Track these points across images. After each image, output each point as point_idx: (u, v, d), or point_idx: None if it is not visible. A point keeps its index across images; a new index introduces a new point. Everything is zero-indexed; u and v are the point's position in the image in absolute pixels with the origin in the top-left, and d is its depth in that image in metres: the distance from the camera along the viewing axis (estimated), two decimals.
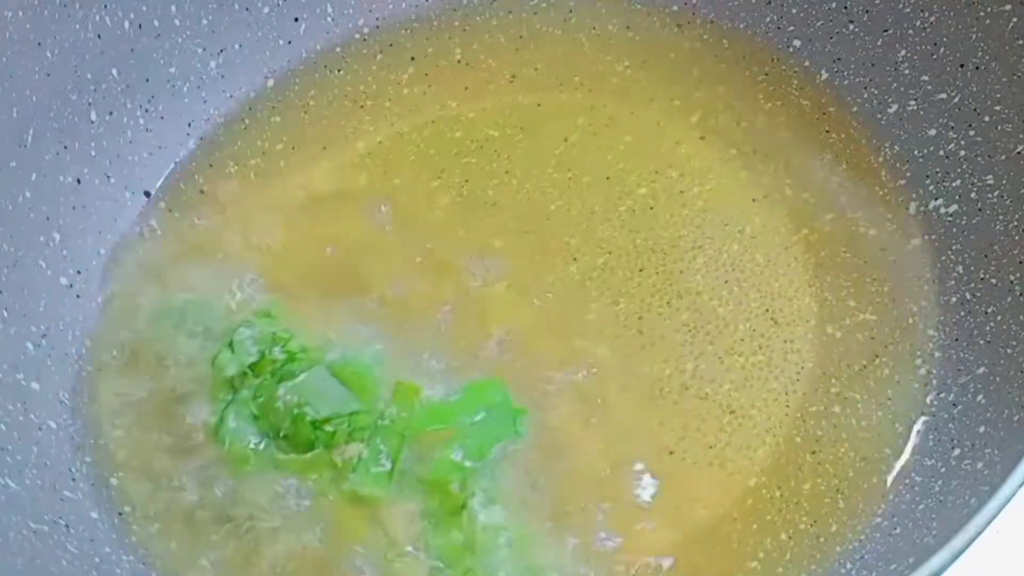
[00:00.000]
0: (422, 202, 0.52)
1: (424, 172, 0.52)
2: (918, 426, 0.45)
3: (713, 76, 0.54)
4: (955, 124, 0.49)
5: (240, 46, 0.55)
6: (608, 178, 0.52)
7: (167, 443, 0.46)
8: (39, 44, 0.47)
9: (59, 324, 0.49)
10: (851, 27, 0.52)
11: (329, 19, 0.57)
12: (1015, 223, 0.46)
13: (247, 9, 0.55)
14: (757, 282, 0.49)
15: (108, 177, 0.52)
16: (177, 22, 0.53)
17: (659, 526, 0.44)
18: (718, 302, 0.48)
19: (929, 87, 0.50)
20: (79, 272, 0.50)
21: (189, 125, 0.54)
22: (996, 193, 0.47)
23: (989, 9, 0.47)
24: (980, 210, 0.47)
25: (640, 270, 0.49)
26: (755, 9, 0.55)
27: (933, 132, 0.50)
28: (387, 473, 0.44)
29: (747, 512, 0.44)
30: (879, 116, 0.52)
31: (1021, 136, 0.46)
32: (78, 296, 0.50)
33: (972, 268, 0.47)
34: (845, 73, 0.53)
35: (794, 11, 0.54)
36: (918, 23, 0.50)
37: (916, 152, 0.50)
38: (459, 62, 0.56)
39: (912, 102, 0.51)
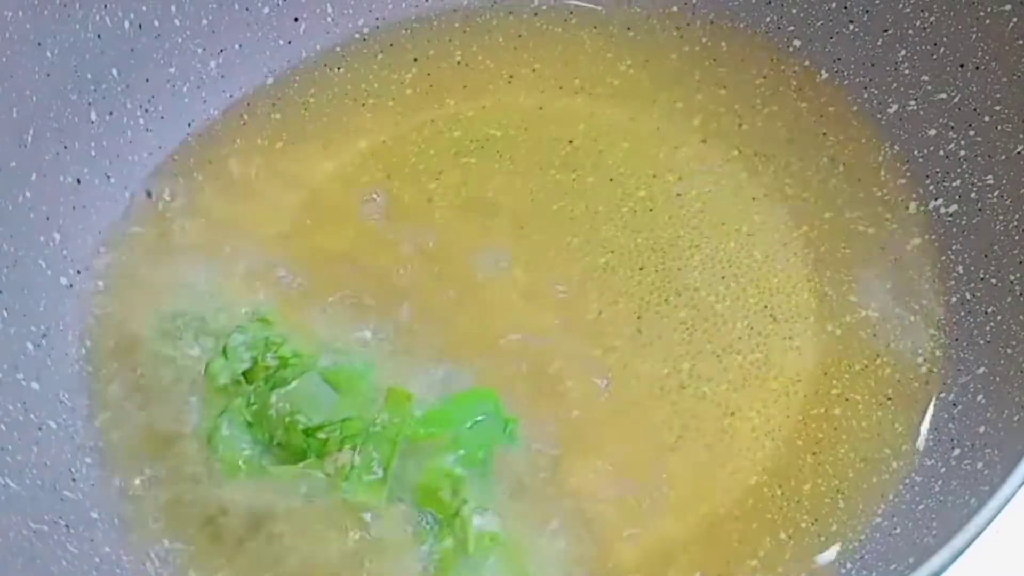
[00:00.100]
0: (422, 202, 0.52)
1: (424, 172, 0.52)
2: (918, 426, 0.45)
3: (714, 78, 0.54)
4: (955, 124, 0.49)
5: (240, 46, 0.55)
6: (611, 180, 0.52)
7: (167, 443, 0.46)
8: (39, 44, 0.47)
9: (59, 324, 0.48)
10: (851, 27, 0.52)
11: (329, 19, 0.57)
12: (1015, 223, 0.46)
13: (247, 9, 0.55)
14: (755, 278, 0.49)
15: (108, 177, 0.52)
16: (177, 22, 0.53)
17: (659, 526, 0.44)
18: (715, 298, 0.48)
19: (929, 87, 0.50)
20: (79, 272, 0.50)
21: (189, 125, 0.54)
22: (996, 193, 0.47)
23: (989, 9, 0.47)
24: (980, 210, 0.47)
25: (640, 268, 0.49)
26: (755, 9, 0.55)
27: (933, 132, 0.50)
28: (380, 481, 0.44)
29: (748, 511, 0.44)
30: (879, 116, 0.52)
31: (1021, 136, 0.46)
32: (78, 296, 0.50)
33: (972, 268, 0.47)
34: (845, 73, 0.53)
35: (794, 11, 0.54)
36: (918, 23, 0.50)
37: (916, 152, 0.50)
38: (459, 63, 0.56)
39: (912, 102, 0.51)
